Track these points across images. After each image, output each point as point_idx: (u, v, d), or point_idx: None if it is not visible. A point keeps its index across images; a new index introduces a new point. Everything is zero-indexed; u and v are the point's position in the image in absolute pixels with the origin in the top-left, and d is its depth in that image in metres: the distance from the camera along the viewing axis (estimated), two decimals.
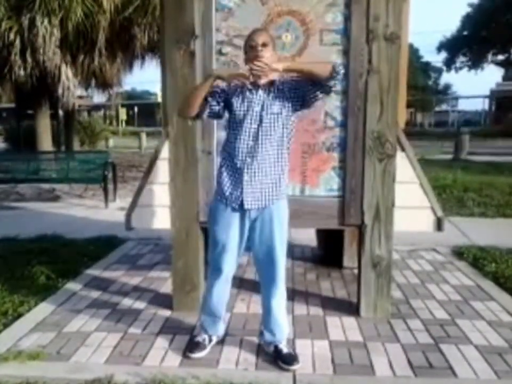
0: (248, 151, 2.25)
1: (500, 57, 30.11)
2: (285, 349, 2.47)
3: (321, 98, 2.31)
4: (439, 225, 2.95)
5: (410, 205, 2.93)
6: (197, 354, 2.50)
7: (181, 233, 2.99)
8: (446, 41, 30.75)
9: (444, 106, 46.15)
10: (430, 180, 3.62)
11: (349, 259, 3.94)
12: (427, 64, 41.93)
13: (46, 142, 11.14)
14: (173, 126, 2.90)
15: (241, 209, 2.30)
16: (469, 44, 29.19)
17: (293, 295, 3.28)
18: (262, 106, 2.24)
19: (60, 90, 9.62)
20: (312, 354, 2.53)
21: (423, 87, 40.36)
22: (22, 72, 9.23)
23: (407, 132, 3.26)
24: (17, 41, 8.86)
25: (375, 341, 2.69)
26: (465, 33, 29.25)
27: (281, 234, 2.37)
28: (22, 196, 7.94)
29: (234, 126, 2.29)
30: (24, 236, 4.97)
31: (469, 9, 28.49)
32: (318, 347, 2.61)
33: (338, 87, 2.77)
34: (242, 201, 2.28)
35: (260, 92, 2.26)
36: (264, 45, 2.19)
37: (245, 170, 2.26)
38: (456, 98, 44.40)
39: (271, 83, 2.27)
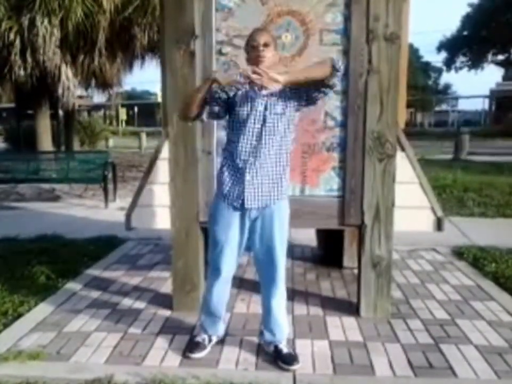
0: (251, 151, 2.25)
1: (500, 57, 30.12)
2: (285, 349, 2.47)
3: (327, 94, 2.29)
4: (439, 225, 2.95)
5: (410, 205, 2.93)
6: (197, 355, 2.50)
7: (181, 233, 2.99)
8: (446, 41, 30.76)
9: (443, 106, 46.20)
10: (430, 180, 3.63)
11: (349, 259, 3.94)
12: (427, 64, 41.94)
13: (46, 142, 11.14)
14: (173, 126, 2.90)
15: (242, 208, 2.31)
16: (469, 44, 29.20)
17: (292, 295, 3.28)
18: (266, 106, 2.24)
19: (60, 90, 9.63)
20: (312, 354, 2.53)
21: (423, 87, 40.37)
22: (22, 72, 9.23)
23: (407, 132, 3.26)
24: (17, 41, 8.87)
25: (375, 341, 2.69)
26: (465, 33, 29.26)
27: (282, 234, 2.37)
28: (22, 196, 7.94)
29: (237, 126, 2.28)
30: (24, 236, 4.97)
31: (469, 9, 28.52)
32: (318, 347, 2.61)
33: (338, 87, 2.77)
34: (243, 200, 2.28)
35: (263, 91, 2.26)
36: (265, 45, 2.19)
37: (247, 170, 2.26)
38: (456, 98, 44.44)
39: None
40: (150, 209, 3.05)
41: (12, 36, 8.80)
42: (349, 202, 2.92)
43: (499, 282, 3.61)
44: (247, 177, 2.26)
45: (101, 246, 4.66)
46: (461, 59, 31.12)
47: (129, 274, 3.86)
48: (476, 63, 30.48)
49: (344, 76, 2.62)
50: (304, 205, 2.90)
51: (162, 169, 2.98)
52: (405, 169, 2.91)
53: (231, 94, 2.29)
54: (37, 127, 11.18)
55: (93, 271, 3.93)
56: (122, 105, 36.57)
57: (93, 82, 11.64)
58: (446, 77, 63.08)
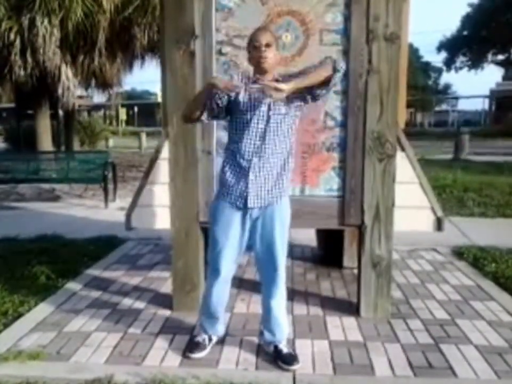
0: (254, 150, 2.25)
1: (500, 57, 30.14)
2: (285, 349, 2.47)
3: (328, 92, 2.32)
4: (439, 225, 2.95)
5: (410, 205, 2.93)
6: (197, 355, 2.50)
7: (181, 233, 2.99)
8: (446, 41, 30.77)
9: (443, 106, 46.20)
10: (430, 180, 3.63)
11: (349, 259, 3.94)
12: (427, 64, 41.94)
13: (46, 142, 11.14)
14: (172, 126, 2.90)
15: (244, 208, 2.31)
16: (469, 44, 29.21)
17: (292, 295, 3.28)
18: (269, 106, 2.24)
19: (60, 90, 9.62)
20: (312, 354, 2.53)
21: (423, 87, 40.36)
22: (22, 72, 9.22)
23: (407, 132, 3.26)
24: (17, 41, 8.86)
25: (375, 341, 2.69)
26: (465, 33, 29.27)
27: (283, 233, 2.38)
28: (22, 196, 7.94)
29: (240, 126, 2.28)
30: (24, 236, 4.97)
31: (469, 9, 28.54)
32: (318, 347, 2.61)
33: (338, 87, 2.78)
34: (246, 199, 2.28)
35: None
36: (267, 45, 2.19)
37: (251, 169, 2.26)
38: (456, 98, 44.44)
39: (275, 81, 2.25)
40: (150, 209, 3.05)
41: (12, 36, 8.79)
42: (349, 202, 2.92)
43: (499, 282, 3.61)
44: (251, 176, 2.27)
45: (101, 246, 4.66)
46: (461, 59, 31.13)
47: (129, 274, 3.86)
48: (475, 63, 30.49)
49: (344, 76, 2.62)
50: (304, 205, 2.90)
51: (162, 169, 2.98)
52: (405, 169, 2.91)
53: (232, 95, 2.28)
54: (37, 127, 11.17)
55: (93, 271, 3.93)
56: (122, 105, 36.55)
57: (93, 82, 11.64)
58: (446, 77, 63.19)
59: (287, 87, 2.08)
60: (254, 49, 2.22)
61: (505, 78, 34.71)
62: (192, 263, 3.02)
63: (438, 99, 43.59)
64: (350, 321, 2.95)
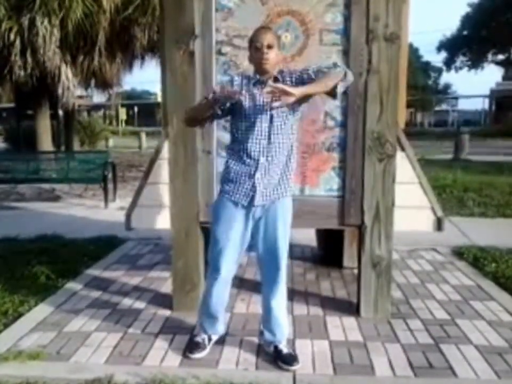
0: (260, 149, 2.26)
1: (500, 56, 30.15)
2: (285, 349, 2.47)
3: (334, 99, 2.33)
4: (439, 225, 2.95)
5: (410, 205, 2.93)
6: (197, 355, 2.50)
7: (181, 233, 2.99)
8: (446, 41, 30.78)
9: (443, 106, 46.20)
10: (430, 180, 3.63)
11: (349, 259, 3.94)
12: (427, 64, 41.94)
13: (46, 142, 11.14)
14: (173, 126, 2.90)
15: (249, 206, 2.31)
16: (468, 44, 29.22)
17: (292, 295, 3.28)
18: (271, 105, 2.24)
19: (60, 90, 9.63)
20: (312, 354, 2.53)
21: (423, 87, 40.36)
22: (22, 72, 9.23)
23: (407, 131, 3.26)
24: (17, 42, 8.86)
25: (375, 341, 2.69)
26: (465, 33, 29.29)
27: (285, 233, 2.38)
28: (22, 196, 7.94)
29: (245, 126, 2.28)
30: (24, 236, 4.97)
31: (468, 9, 28.54)
32: (318, 347, 2.61)
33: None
34: (253, 198, 2.28)
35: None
36: (269, 47, 2.19)
37: (257, 168, 2.27)
38: (456, 98, 44.45)
39: (276, 80, 2.25)
40: (150, 209, 3.05)
41: (12, 36, 8.79)
42: (349, 202, 2.92)
43: (499, 282, 3.61)
44: (257, 175, 2.27)
45: (101, 246, 4.65)
46: (461, 59, 31.15)
47: (129, 274, 3.86)
48: (475, 62, 30.51)
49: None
50: (304, 205, 2.89)
51: (163, 169, 2.98)
52: (405, 169, 2.91)
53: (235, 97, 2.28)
54: (37, 127, 11.18)
55: (93, 271, 3.93)
56: (122, 105, 36.55)
57: (93, 82, 11.66)
58: (446, 77, 63.13)
59: (297, 92, 2.04)
60: (255, 50, 2.22)
61: (505, 78, 34.72)
62: (192, 263, 3.02)
63: (438, 99, 43.60)
64: (350, 321, 2.95)
